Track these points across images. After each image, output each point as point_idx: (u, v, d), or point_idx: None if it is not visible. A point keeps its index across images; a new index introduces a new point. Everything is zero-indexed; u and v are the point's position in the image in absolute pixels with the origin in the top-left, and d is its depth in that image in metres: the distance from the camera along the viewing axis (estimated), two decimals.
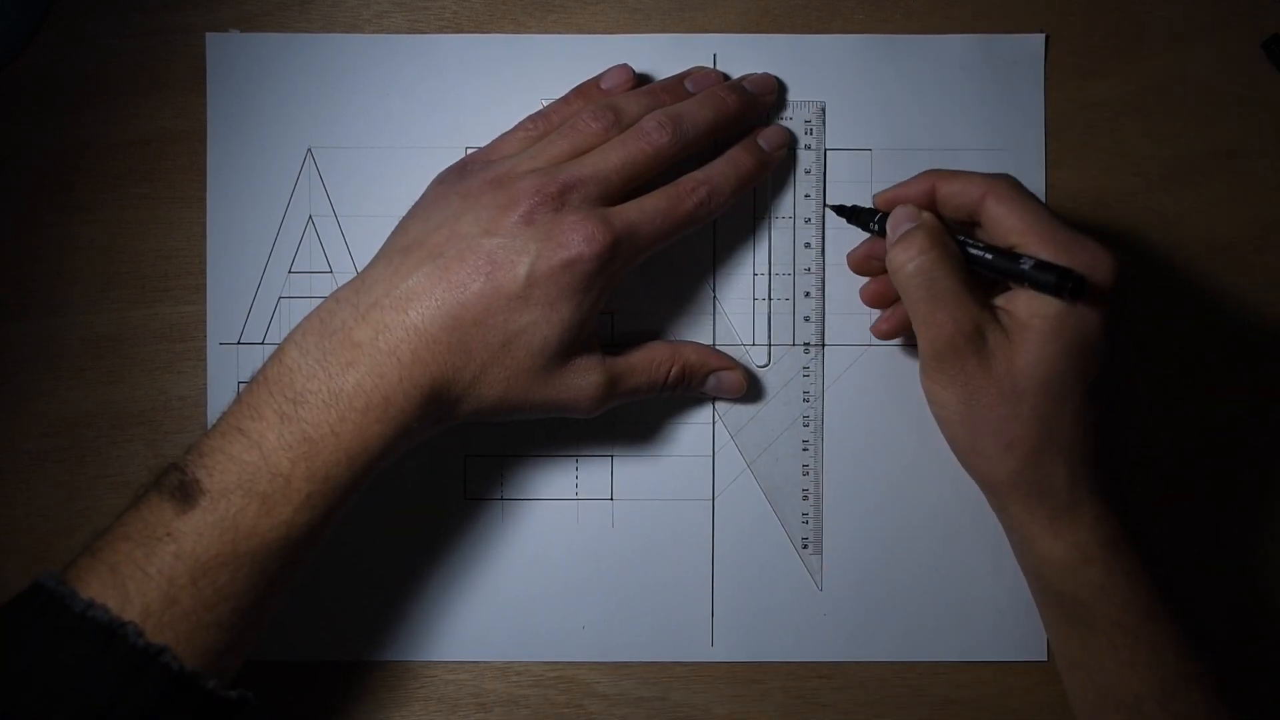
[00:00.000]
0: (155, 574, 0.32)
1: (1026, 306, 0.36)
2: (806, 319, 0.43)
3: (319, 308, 0.36)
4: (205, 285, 0.43)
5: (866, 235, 0.41)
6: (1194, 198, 0.43)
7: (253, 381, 0.35)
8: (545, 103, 0.42)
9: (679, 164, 0.39)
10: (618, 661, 0.43)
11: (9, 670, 0.31)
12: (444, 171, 0.39)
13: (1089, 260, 0.35)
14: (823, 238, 0.43)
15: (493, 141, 0.40)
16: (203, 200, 0.43)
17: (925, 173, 0.39)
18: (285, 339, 0.36)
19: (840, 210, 0.42)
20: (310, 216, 0.43)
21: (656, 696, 0.43)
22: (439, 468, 0.43)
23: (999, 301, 0.37)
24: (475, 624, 0.42)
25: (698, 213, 0.38)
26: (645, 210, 0.37)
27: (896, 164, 0.43)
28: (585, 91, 0.41)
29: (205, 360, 0.43)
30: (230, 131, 0.43)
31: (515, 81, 0.43)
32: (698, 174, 0.39)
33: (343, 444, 0.34)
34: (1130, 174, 0.43)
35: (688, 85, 0.41)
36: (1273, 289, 0.43)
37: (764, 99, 0.42)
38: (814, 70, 0.43)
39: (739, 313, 0.43)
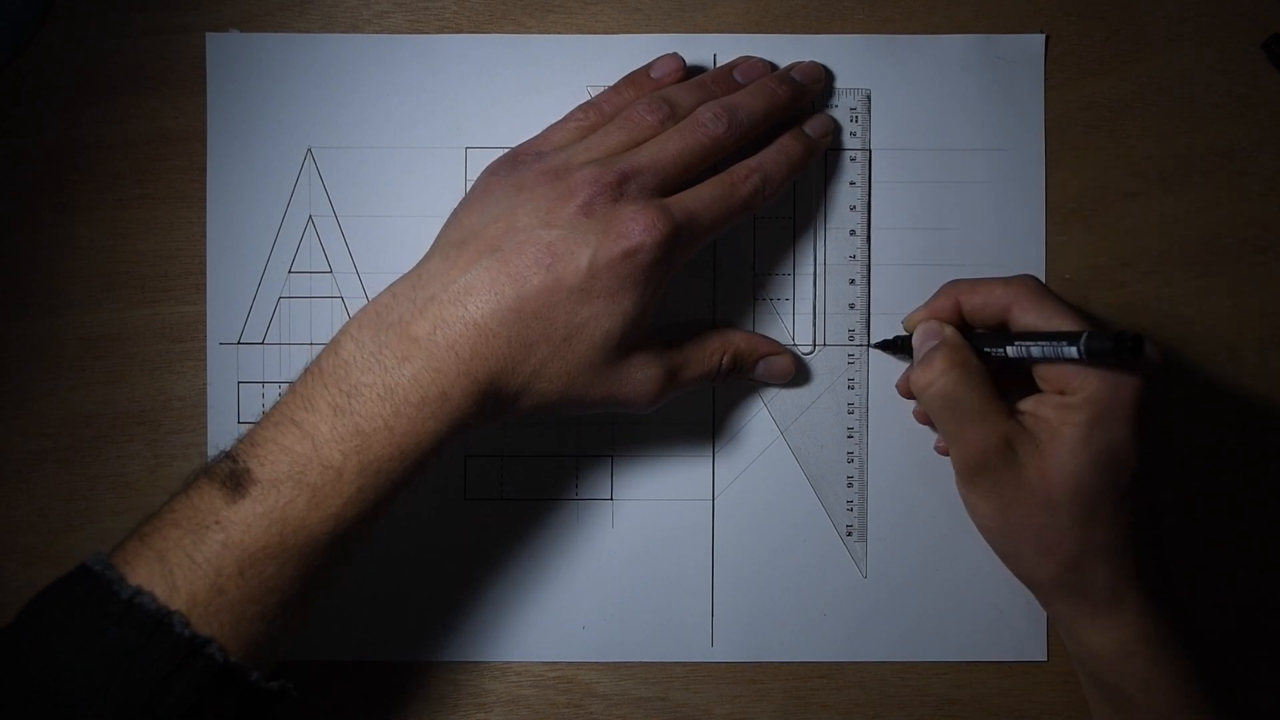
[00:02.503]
0: (203, 563, 0.31)
1: (1056, 413, 0.36)
2: (805, 316, 0.43)
3: (374, 301, 0.35)
4: (205, 285, 0.43)
5: (909, 362, 0.41)
6: (1194, 198, 0.43)
7: (306, 373, 0.34)
8: (547, 107, 0.42)
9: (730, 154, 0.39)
10: (618, 661, 0.43)
11: (52, 654, 0.30)
12: (495, 163, 0.38)
13: (1115, 373, 0.35)
14: (868, 225, 0.43)
15: (543, 132, 0.40)
16: (203, 200, 0.43)
17: (946, 286, 0.39)
18: (340, 331, 0.35)
19: (883, 346, 0.42)
20: (310, 216, 0.43)
21: (656, 696, 0.43)
22: (439, 468, 0.43)
23: (1027, 406, 0.37)
24: (475, 624, 0.42)
25: (753, 200, 0.38)
26: (702, 199, 0.37)
27: (897, 164, 0.43)
28: (636, 81, 0.41)
29: (205, 360, 0.43)
30: (230, 131, 0.43)
31: (515, 81, 0.43)
32: (750, 162, 0.39)
33: (396, 438, 0.33)
34: (1130, 174, 0.43)
35: (737, 76, 0.41)
36: (1273, 289, 0.43)
37: (813, 87, 0.42)
38: None
39: (738, 313, 0.43)
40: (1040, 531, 0.36)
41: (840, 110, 0.43)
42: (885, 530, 0.43)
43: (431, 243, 0.37)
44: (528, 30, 0.43)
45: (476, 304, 0.34)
